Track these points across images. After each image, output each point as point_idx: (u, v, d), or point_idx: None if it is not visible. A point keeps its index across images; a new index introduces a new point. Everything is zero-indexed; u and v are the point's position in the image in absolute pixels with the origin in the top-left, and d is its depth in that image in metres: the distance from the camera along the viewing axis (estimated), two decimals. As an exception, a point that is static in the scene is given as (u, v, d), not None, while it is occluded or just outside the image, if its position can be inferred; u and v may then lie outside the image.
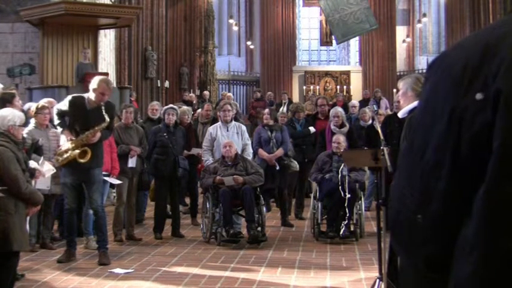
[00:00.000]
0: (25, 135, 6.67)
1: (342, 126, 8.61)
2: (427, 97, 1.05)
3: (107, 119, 6.38)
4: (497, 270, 0.92)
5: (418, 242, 1.02)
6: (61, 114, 6.47)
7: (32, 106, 7.28)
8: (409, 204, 1.03)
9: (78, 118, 6.39)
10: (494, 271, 0.92)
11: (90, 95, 6.46)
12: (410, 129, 4.33)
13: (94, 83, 6.48)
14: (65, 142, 6.42)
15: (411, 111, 4.61)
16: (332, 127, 8.62)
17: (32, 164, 5.85)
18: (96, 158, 6.44)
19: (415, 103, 4.77)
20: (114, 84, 14.11)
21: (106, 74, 11.96)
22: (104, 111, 6.37)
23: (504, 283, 0.91)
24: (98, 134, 6.37)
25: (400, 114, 5.06)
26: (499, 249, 0.91)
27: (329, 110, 9.26)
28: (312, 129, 9.44)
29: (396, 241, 1.09)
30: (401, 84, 5.07)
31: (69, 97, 6.59)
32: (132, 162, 7.73)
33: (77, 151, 6.28)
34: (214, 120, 9.25)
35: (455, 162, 0.97)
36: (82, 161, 6.28)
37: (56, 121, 6.50)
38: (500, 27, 1.00)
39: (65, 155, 6.34)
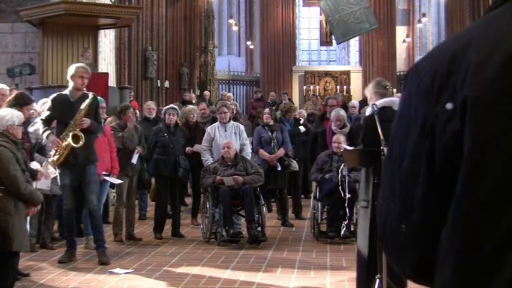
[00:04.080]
0: (30, 134, 6.68)
1: (343, 127, 8.59)
2: (401, 107, 1.08)
3: (90, 95, 6.35)
4: (472, 273, 0.94)
5: (403, 250, 1.05)
6: (46, 120, 6.41)
7: (37, 107, 7.25)
8: (392, 213, 1.05)
9: (65, 113, 6.33)
10: (470, 274, 0.94)
11: (70, 86, 6.46)
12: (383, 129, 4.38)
13: (71, 70, 6.49)
14: (53, 146, 6.32)
15: (382, 108, 4.68)
16: (333, 128, 8.62)
17: (35, 165, 5.84)
18: (89, 154, 6.40)
19: (382, 100, 4.88)
20: (114, 84, 14.12)
21: (106, 74, 11.98)
22: (89, 97, 6.34)
23: (480, 286, 0.93)
24: (88, 120, 6.29)
25: (367, 112, 5.17)
26: (474, 252, 0.94)
27: None
28: (301, 128, 9.51)
29: (385, 249, 1.12)
30: (366, 93, 5.22)
31: (50, 97, 6.57)
32: (135, 159, 7.77)
33: (69, 139, 6.20)
34: (213, 120, 9.26)
35: (430, 171, 0.99)
36: (77, 145, 6.18)
37: (41, 129, 6.40)
38: (465, 35, 1.02)
39: (58, 152, 6.26)
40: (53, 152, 6.36)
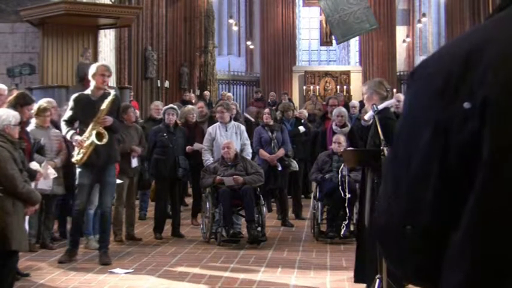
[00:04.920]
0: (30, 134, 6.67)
1: (343, 126, 8.57)
2: (408, 108, 1.04)
3: (112, 92, 6.37)
4: (487, 279, 0.92)
5: (407, 252, 1.02)
6: (68, 121, 6.41)
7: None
8: (396, 215, 1.02)
9: (87, 112, 6.33)
10: (484, 279, 0.92)
11: (92, 85, 6.45)
12: (384, 129, 4.38)
13: (92, 68, 6.49)
14: (77, 146, 6.32)
15: (381, 111, 4.71)
16: (334, 127, 8.59)
17: (34, 165, 5.84)
18: (111, 153, 6.41)
19: (383, 104, 4.88)
20: (114, 84, 14.12)
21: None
22: (112, 93, 6.35)
23: None
24: (110, 118, 6.29)
25: (366, 117, 5.15)
26: (490, 256, 0.91)
27: None
28: (301, 128, 9.51)
29: (384, 251, 1.09)
30: (365, 89, 5.17)
31: (72, 97, 6.57)
32: (135, 162, 7.75)
33: (92, 137, 6.21)
34: (211, 118, 9.26)
35: (443, 173, 0.96)
36: (101, 143, 6.19)
37: (64, 130, 6.43)
38: (477, 35, 0.99)
39: (82, 151, 6.26)
40: (76, 152, 6.36)
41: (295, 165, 8.70)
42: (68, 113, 6.45)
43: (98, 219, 6.96)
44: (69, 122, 6.42)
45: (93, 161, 6.31)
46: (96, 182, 6.54)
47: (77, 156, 6.33)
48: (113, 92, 6.40)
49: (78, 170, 6.42)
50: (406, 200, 1.00)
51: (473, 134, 0.92)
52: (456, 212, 0.95)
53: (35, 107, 7.13)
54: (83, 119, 6.39)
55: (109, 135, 6.29)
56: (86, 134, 6.26)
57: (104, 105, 6.27)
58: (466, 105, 0.93)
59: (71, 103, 6.48)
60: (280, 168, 8.50)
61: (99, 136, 6.22)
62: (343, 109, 9.07)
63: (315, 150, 9.06)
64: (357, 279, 5.14)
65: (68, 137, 6.41)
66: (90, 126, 6.26)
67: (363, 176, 5.13)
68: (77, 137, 6.26)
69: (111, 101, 6.30)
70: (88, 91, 6.49)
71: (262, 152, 8.49)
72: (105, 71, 6.44)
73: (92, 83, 6.45)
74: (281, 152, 8.49)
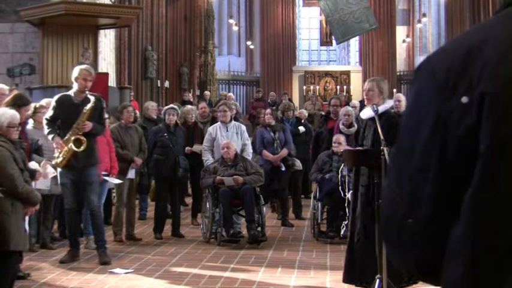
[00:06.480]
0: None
1: (350, 125, 8.50)
2: (412, 101, 1.06)
3: (93, 99, 6.35)
4: (486, 271, 0.93)
5: (408, 245, 1.03)
6: (51, 121, 6.41)
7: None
8: (399, 208, 1.04)
9: (69, 114, 6.35)
10: (484, 272, 0.93)
11: (74, 88, 6.45)
12: (390, 130, 4.38)
13: (75, 72, 6.47)
14: (58, 148, 6.34)
15: (384, 112, 4.70)
16: (341, 126, 8.53)
17: (34, 165, 5.84)
18: (90, 156, 6.40)
19: (385, 105, 4.87)
20: (114, 84, 14.12)
21: (106, 74, 11.98)
22: (92, 100, 6.33)
23: (494, 284, 0.92)
24: (90, 124, 6.30)
25: (364, 116, 5.12)
26: (488, 249, 0.93)
27: None
28: (301, 128, 9.52)
29: (388, 244, 1.11)
30: (373, 85, 5.09)
31: (55, 98, 6.57)
32: (131, 174, 7.73)
33: (71, 144, 6.23)
34: (213, 119, 9.26)
35: (442, 166, 0.98)
36: (79, 150, 6.21)
37: (46, 130, 6.42)
38: (480, 32, 1.01)
39: (62, 155, 6.30)
40: (56, 154, 6.38)
41: (298, 164, 8.70)
42: (50, 113, 6.46)
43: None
44: (51, 122, 6.43)
45: (72, 163, 6.34)
46: (80, 181, 6.54)
47: (57, 158, 6.35)
48: (92, 99, 6.36)
49: (59, 170, 6.45)
50: (408, 192, 1.02)
51: (471, 128, 0.95)
52: (456, 205, 0.97)
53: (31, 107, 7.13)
54: (64, 120, 6.42)
55: (89, 140, 6.31)
56: (66, 138, 6.28)
57: (84, 110, 6.28)
58: (464, 99, 0.96)
59: (53, 103, 6.49)
60: (283, 169, 8.49)
61: (77, 143, 6.24)
62: (350, 108, 9.00)
63: (318, 150, 9.01)
64: (348, 280, 5.16)
65: (50, 138, 6.42)
66: (70, 132, 6.28)
67: (355, 178, 5.13)
68: (58, 140, 6.29)
69: (91, 108, 6.31)
70: (71, 92, 6.50)
71: (265, 152, 8.49)
72: (87, 76, 6.43)
73: (75, 85, 6.45)
74: (284, 152, 8.48)
